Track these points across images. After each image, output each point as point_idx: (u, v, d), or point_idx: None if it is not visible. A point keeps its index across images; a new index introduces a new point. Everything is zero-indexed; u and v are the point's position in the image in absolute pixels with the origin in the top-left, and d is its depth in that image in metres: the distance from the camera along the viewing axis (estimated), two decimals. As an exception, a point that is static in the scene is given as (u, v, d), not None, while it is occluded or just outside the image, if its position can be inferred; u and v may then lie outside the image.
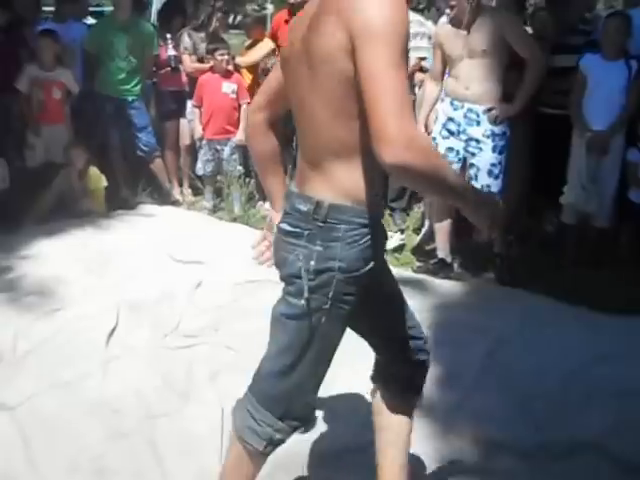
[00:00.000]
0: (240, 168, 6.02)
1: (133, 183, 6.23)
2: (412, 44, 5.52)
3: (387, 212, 5.88)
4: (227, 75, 5.98)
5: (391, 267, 4.59)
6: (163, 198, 6.25)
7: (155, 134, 6.27)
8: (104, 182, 5.80)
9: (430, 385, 3.16)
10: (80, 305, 3.99)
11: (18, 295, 4.13)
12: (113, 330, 3.73)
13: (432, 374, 3.25)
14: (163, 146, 6.43)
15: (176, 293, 4.18)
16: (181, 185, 6.53)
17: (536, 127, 5.13)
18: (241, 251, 4.77)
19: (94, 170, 5.77)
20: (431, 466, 2.73)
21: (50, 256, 4.66)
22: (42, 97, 5.72)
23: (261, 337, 3.56)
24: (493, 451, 2.78)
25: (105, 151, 6.13)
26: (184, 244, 4.97)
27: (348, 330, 2.05)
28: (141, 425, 2.90)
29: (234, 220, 5.76)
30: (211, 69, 6.04)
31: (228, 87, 5.94)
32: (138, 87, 6.10)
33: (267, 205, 6.05)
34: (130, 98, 6.04)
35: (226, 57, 5.91)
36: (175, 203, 6.21)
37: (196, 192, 6.43)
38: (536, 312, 3.99)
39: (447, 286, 4.50)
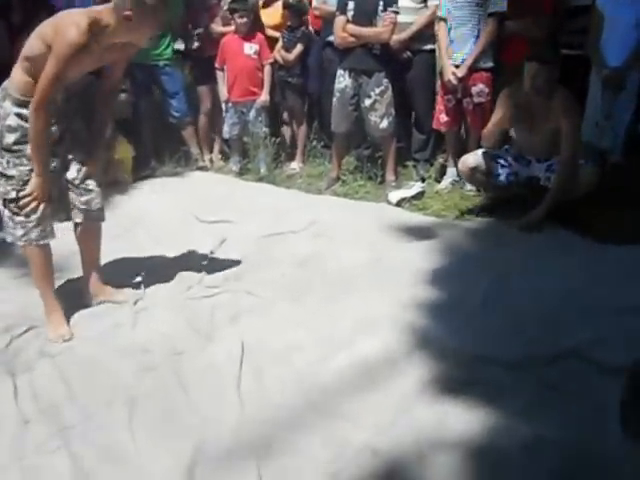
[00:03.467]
0: (266, 130, 6.42)
1: (162, 150, 6.67)
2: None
3: (411, 163, 6.32)
4: (249, 36, 6.28)
5: (408, 212, 5.08)
6: (191, 164, 6.68)
7: (188, 99, 6.64)
8: (132, 152, 6.29)
9: (435, 313, 3.66)
10: (107, 266, 4.45)
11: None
12: (140, 284, 4.23)
13: (437, 303, 3.75)
14: (197, 111, 6.84)
15: (201, 250, 4.68)
16: (211, 151, 6.93)
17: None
18: (266, 207, 5.32)
19: (122, 140, 6.26)
20: (429, 380, 3.18)
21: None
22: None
23: (281, 283, 4.13)
24: (484, 365, 3.22)
25: (135, 120, 6.54)
26: (210, 205, 5.48)
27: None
28: (167, 360, 3.42)
29: (260, 180, 6.22)
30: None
31: (250, 48, 6.26)
32: (169, 50, 6.37)
33: (293, 164, 6.54)
34: (161, 63, 6.34)
35: (245, 20, 6.20)
36: (203, 169, 6.64)
37: (226, 157, 6.86)
38: (542, 245, 4.43)
39: (460, 226, 4.98)
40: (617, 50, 5.14)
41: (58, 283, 4.17)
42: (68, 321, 3.87)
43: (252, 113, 6.40)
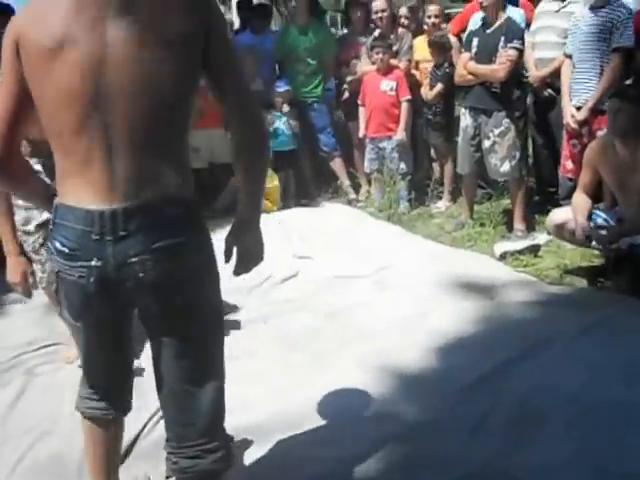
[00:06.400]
0: (403, 166, 5.94)
1: (314, 181, 6.43)
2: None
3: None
4: (387, 72, 5.88)
5: (504, 268, 4.29)
6: (342, 196, 6.41)
7: (335, 135, 6.42)
8: (275, 181, 6.06)
9: (415, 385, 3.08)
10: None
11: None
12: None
13: (424, 374, 3.18)
14: (349, 146, 6.55)
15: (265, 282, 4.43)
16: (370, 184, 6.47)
17: None
18: (357, 246, 4.79)
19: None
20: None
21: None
22: (200, 104, 5.93)
23: (282, 332, 3.63)
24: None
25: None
26: (311, 239, 5.11)
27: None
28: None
29: (392, 217, 5.66)
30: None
31: (387, 85, 5.86)
32: (318, 89, 6.27)
33: (439, 203, 5.91)
34: (309, 100, 6.27)
35: (381, 56, 5.82)
36: (352, 202, 6.28)
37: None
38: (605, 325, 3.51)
39: (539, 291, 4.07)
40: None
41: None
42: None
43: (389, 149, 5.94)
